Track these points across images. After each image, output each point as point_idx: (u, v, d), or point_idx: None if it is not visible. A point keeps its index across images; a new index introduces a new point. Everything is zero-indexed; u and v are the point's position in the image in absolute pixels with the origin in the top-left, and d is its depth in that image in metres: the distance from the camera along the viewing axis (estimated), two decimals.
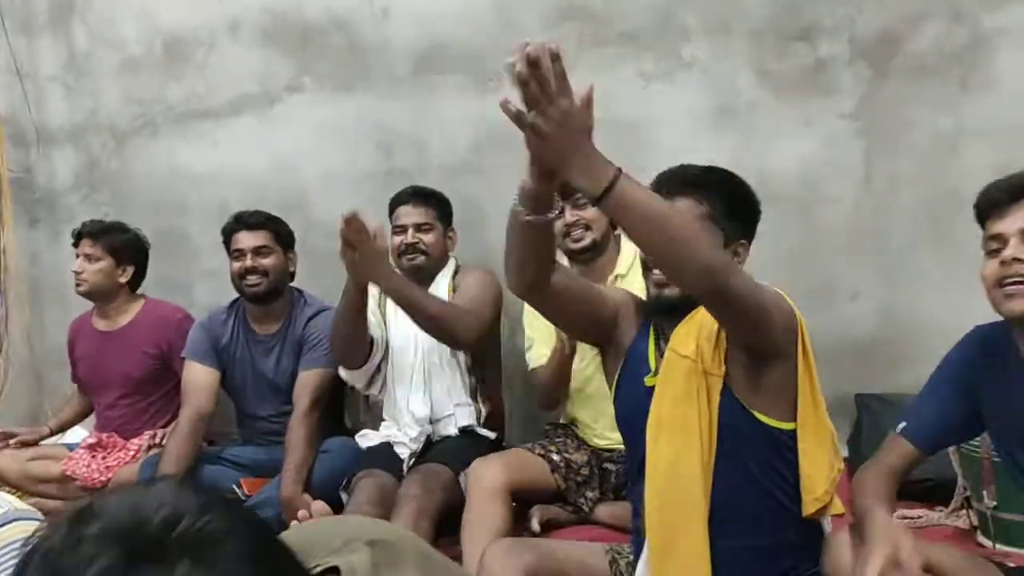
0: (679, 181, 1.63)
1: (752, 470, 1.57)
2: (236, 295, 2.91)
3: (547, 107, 1.26)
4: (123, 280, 3.04)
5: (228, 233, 2.86)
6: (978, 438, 2.04)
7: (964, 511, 2.26)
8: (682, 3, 2.87)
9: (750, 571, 1.57)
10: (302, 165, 3.23)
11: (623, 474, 2.40)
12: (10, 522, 1.00)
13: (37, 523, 1.00)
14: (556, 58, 1.25)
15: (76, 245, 3.01)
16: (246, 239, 2.82)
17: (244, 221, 2.85)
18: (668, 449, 1.60)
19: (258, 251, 2.81)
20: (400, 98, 3.10)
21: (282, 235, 2.87)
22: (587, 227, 2.44)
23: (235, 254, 2.83)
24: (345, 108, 3.17)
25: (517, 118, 1.29)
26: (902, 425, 1.72)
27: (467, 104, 3.02)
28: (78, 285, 3.00)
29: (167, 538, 0.65)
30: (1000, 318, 1.62)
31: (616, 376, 1.75)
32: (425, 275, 2.68)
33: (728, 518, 1.56)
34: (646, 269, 1.70)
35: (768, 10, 2.81)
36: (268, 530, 0.70)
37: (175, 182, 3.36)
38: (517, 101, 1.29)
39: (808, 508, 1.56)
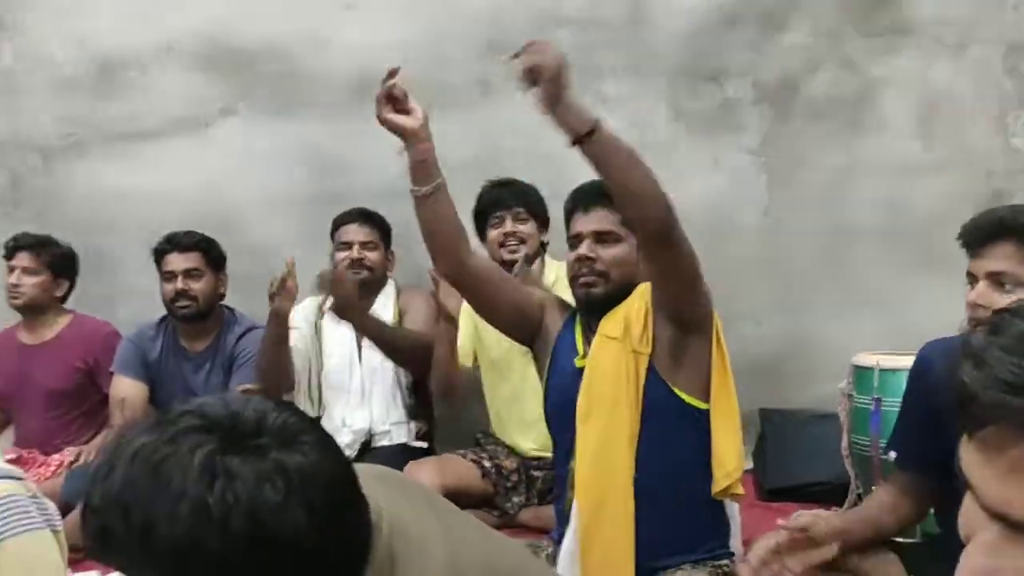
0: (596, 193, 1.83)
1: (672, 446, 1.74)
2: (161, 313, 2.94)
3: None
4: (59, 294, 3.03)
5: (160, 254, 2.89)
6: (866, 436, 2.25)
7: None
8: (601, 44, 3.08)
9: (669, 546, 1.72)
10: (235, 188, 3.29)
11: (548, 480, 2.54)
12: None
13: (18, 481, 1.06)
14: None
15: (9, 258, 2.98)
16: (177, 261, 2.85)
17: (176, 242, 2.88)
18: (597, 425, 1.74)
19: (189, 273, 2.85)
20: (335, 124, 3.21)
21: (213, 257, 2.91)
22: (522, 240, 2.61)
23: (166, 276, 2.86)
24: (279, 133, 3.26)
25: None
26: (893, 455, 1.77)
27: None
28: (14, 298, 2.96)
29: (258, 428, 0.78)
30: (953, 333, 1.60)
31: (546, 368, 1.90)
32: (367, 291, 2.79)
33: (649, 490, 1.72)
34: (574, 277, 1.86)
35: (681, 54, 3.05)
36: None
37: (103, 202, 3.36)
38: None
39: (719, 483, 1.73)
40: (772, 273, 3.04)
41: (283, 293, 2.59)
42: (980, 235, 1.55)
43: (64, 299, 3.08)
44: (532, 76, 1.58)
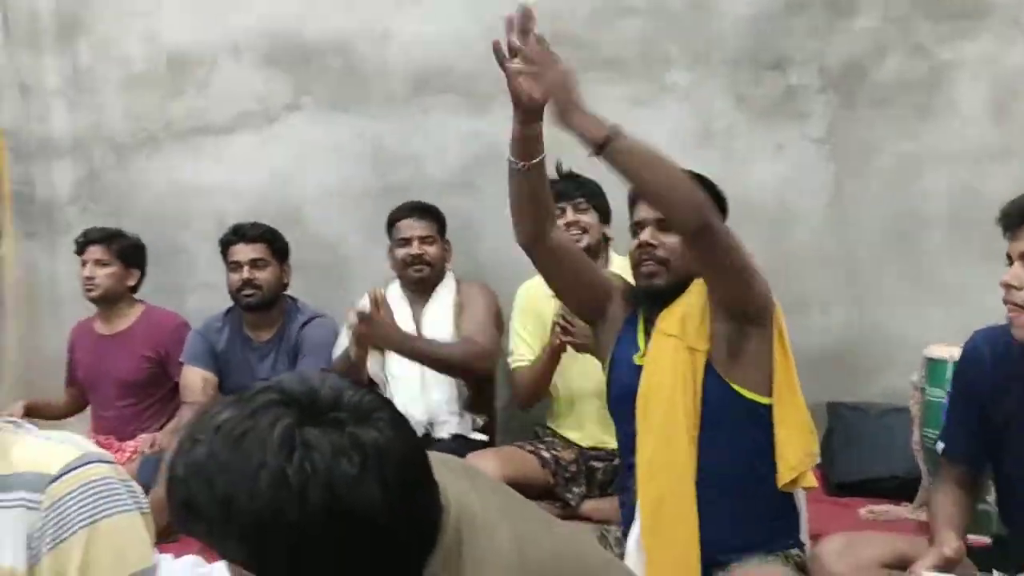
0: None
1: (733, 440, 1.72)
2: (228, 305, 3.02)
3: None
4: (131, 284, 3.13)
5: (225, 245, 2.97)
6: (938, 430, 2.20)
7: None
8: (665, 33, 3.06)
9: (734, 536, 1.71)
10: (299, 181, 3.36)
11: (608, 472, 2.54)
12: (88, 463, 1.08)
13: (110, 465, 1.10)
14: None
15: (81, 252, 3.08)
16: (243, 251, 2.93)
17: (241, 233, 2.96)
18: (656, 423, 1.74)
19: (254, 263, 2.92)
20: (396, 118, 3.25)
21: (278, 247, 2.98)
22: (584, 230, 2.60)
23: (232, 266, 2.94)
24: (342, 127, 3.31)
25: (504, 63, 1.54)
26: (941, 447, 1.80)
27: (460, 123, 3.18)
28: (89, 290, 3.07)
29: (335, 404, 0.81)
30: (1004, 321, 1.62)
31: (609, 359, 1.90)
32: (427, 285, 2.83)
33: (713, 486, 1.71)
34: (635, 265, 1.85)
35: (744, 41, 3.00)
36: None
37: (174, 195, 3.46)
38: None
39: (784, 477, 1.71)
40: (838, 262, 2.98)
41: (361, 338, 2.56)
42: (1016, 217, 1.54)
43: (135, 289, 3.18)
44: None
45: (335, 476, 0.77)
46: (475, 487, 0.99)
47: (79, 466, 1.07)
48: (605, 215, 2.67)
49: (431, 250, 2.84)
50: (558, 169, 2.56)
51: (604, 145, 1.53)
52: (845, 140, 2.95)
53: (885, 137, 2.92)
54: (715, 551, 1.71)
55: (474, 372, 2.71)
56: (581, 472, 2.58)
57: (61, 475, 1.06)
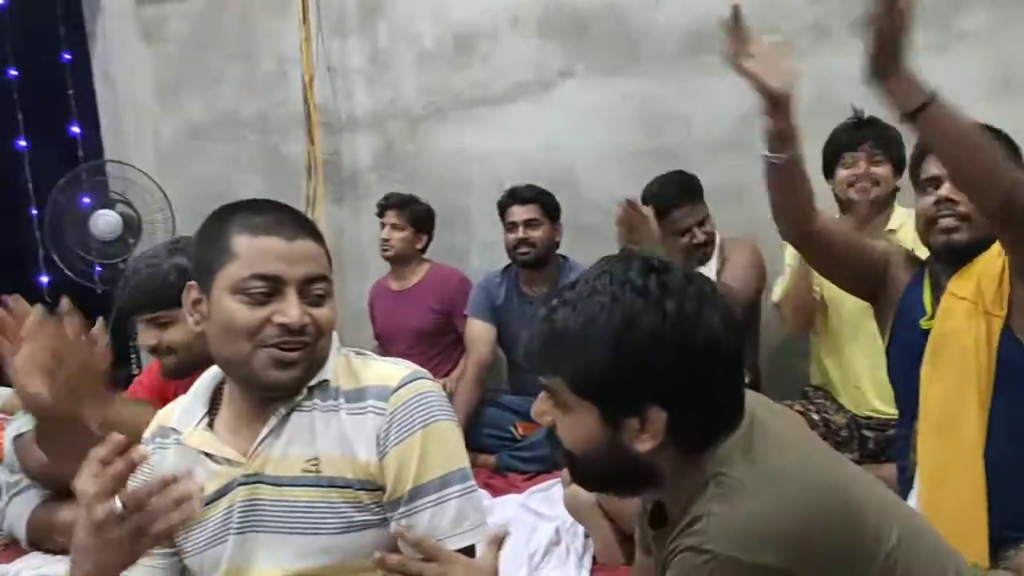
0: None
1: None
2: (505, 263, 3.26)
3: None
4: (419, 247, 3.46)
5: (503, 206, 3.22)
6: None
7: None
8: None
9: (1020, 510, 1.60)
10: (572, 145, 3.50)
11: (881, 441, 2.44)
12: (418, 379, 1.28)
13: (432, 381, 1.29)
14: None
15: (381, 215, 3.44)
16: (518, 212, 3.15)
17: (517, 195, 3.19)
18: (943, 391, 1.66)
19: (529, 223, 3.13)
20: (667, 80, 3.29)
21: (550, 208, 3.18)
22: (875, 183, 2.50)
23: (509, 226, 3.18)
24: (613, 91, 3.40)
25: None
26: None
27: (732, 83, 3.12)
28: (385, 251, 3.44)
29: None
30: None
31: (889, 327, 1.83)
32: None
33: (1004, 457, 1.60)
34: (931, 221, 1.75)
35: None
36: None
37: (459, 162, 3.74)
38: None
39: None
40: None
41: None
42: None
43: (423, 250, 3.49)
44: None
45: (685, 295, 0.98)
46: (773, 413, 1.11)
47: (411, 380, 1.27)
48: (899, 165, 2.54)
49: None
50: (855, 112, 2.48)
51: (917, 112, 1.45)
52: None
53: None
54: (1003, 528, 1.60)
55: None
56: (853, 438, 2.51)
57: (399, 387, 1.25)
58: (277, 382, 1.22)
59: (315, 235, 1.27)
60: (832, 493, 0.99)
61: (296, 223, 1.26)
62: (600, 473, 1.07)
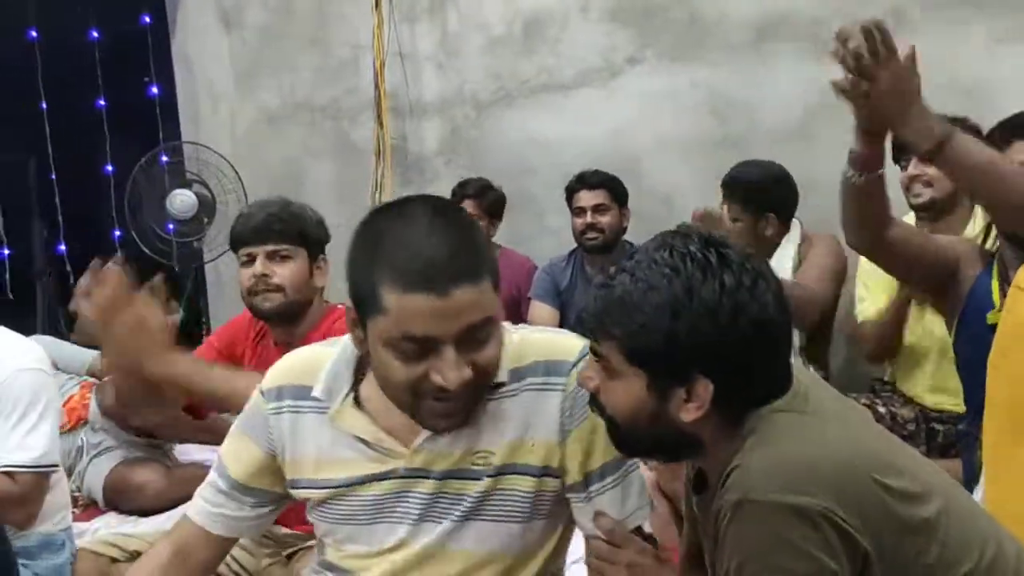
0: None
1: None
2: (567, 252, 3.32)
3: (878, 73, 1.40)
4: (492, 234, 3.51)
5: (570, 191, 3.26)
6: None
7: None
8: None
9: None
10: (638, 133, 3.52)
11: (950, 435, 2.43)
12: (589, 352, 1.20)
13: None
14: (883, 31, 1.40)
15: (459, 202, 3.49)
16: (586, 197, 3.20)
17: (585, 180, 3.23)
18: (1008, 387, 1.65)
19: (597, 208, 3.18)
20: (735, 67, 3.29)
21: (618, 193, 3.22)
22: (928, 184, 2.45)
23: (577, 211, 3.22)
24: (681, 78, 3.41)
25: (844, 92, 1.45)
26: None
27: (801, 71, 3.13)
28: None
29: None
30: None
31: (956, 319, 1.83)
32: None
33: None
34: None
35: None
36: None
37: (523, 148, 3.78)
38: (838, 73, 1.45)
39: None
40: None
41: None
42: None
43: (491, 236, 3.55)
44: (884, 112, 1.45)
45: (742, 269, 1.01)
46: (829, 392, 1.15)
47: (587, 353, 1.15)
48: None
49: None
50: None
51: (937, 150, 1.46)
52: None
53: None
54: None
55: (800, 317, 2.66)
56: (920, 431, 2.49)
57: (577, 361, 1.18)
58: (443, 429, 1.18)
59: (474, 274, 1.08)
60: (869, 452, 1.02)
61: (453, 267, 1.06)
62: (641, 440, 1.09)
